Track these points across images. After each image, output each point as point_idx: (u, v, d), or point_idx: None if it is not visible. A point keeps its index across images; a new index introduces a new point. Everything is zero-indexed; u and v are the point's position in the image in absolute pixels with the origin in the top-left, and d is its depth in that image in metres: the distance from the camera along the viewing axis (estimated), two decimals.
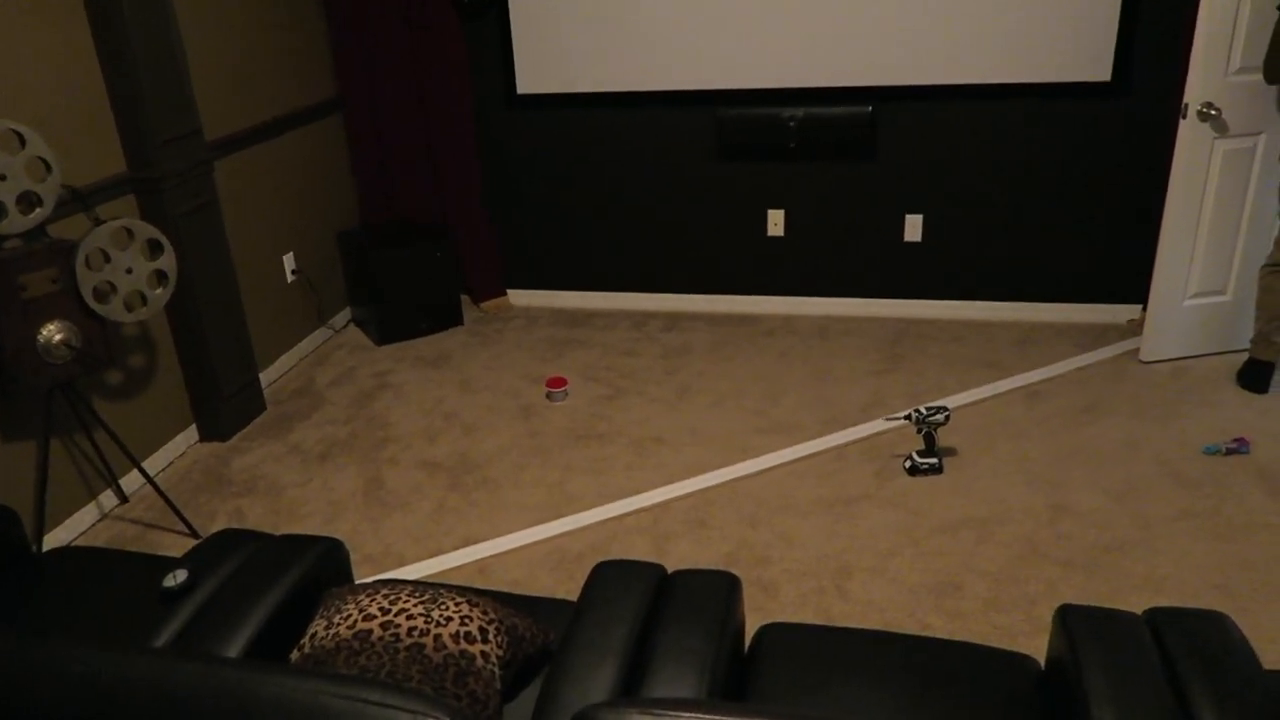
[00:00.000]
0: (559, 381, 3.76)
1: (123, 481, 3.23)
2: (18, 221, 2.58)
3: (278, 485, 3.27)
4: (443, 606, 1.54)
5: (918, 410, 3.09)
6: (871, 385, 3.72)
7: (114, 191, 3.11)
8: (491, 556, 2.85)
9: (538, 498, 3.13)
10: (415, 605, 1.53)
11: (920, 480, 3.10)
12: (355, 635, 1.48)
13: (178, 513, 3.02)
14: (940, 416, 3.08)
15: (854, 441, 3.35)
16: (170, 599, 1.67)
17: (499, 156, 4.46)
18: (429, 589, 1.60)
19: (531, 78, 4.23)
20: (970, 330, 4.13)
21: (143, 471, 3.01)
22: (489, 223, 4.56)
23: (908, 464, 3.14)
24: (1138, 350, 3.79)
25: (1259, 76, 3.30)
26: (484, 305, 4.67)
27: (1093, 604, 2.51)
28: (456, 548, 2.90)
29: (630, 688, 1.48)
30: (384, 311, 4.28)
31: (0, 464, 2.76)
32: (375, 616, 1.51)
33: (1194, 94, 3.31)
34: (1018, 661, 1.71)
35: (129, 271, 2.81)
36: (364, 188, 4.55)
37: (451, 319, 4.47)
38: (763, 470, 3.21)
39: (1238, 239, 3.57)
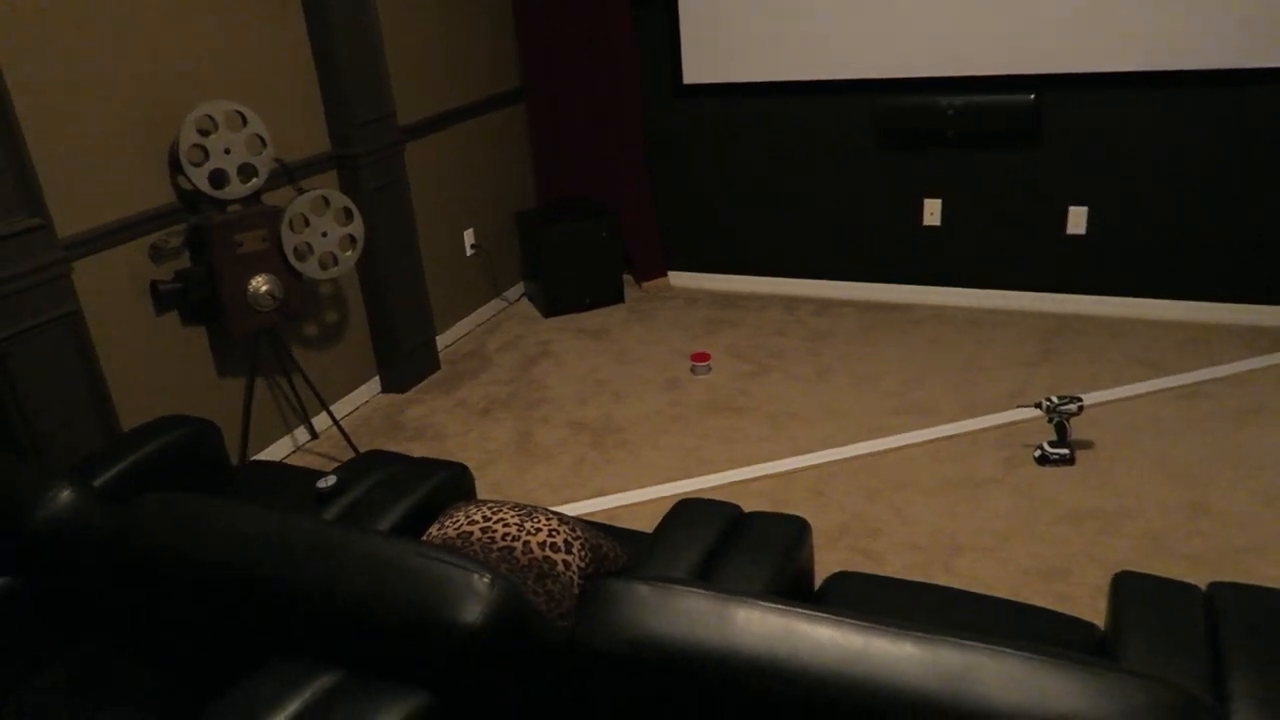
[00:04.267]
0: (703, 356, 3.95)
1: (315, 421, 3.70)
2: (238, 188, 3.04)
3: (442, 433, 3.65)
4: (535, 520, 1.78)
5: (1049, 399, 3.06)
6: (1019, 376, 3.68)
7: (319, 166, 3.57)
8: (620, 507, 3.09)
9: (671, 460, 3.34)
10: (512, 516, 1.77)
11: (1050, 470, 3.07)
12: (459, 535, 1.74)
13: (355, 451, 3.44)
14: (1073, 406, 3.04)
15: (990, 429, 3.34)
16: (322, 500, 1.99)
17: (665, 143, 4.69)
18: (528, 507, 1.84)
19: (697, 68, 4.43)
20: (1133, 327, 3.98)
21: (330, 413, 3.46)
22: (652, 207, 4.80)
23: (1038, 453, 3.12)
24: None
25: None
26: (646, 284, 4.92)
27: None
28: (589, 498, 3.16)
29: None
30: (551, 286, 4.62)
31: (214, 393, 3.26)
32: (477, 522, 1.76)
33: None
34: (1079, 626, 1.75)
35: (324, 235, 3.23)
36: (542, 171, 4.90)
37: (614, 296, 4.75)
38: (891, 449, 3.27)
39: None
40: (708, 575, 1.71)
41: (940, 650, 1.04)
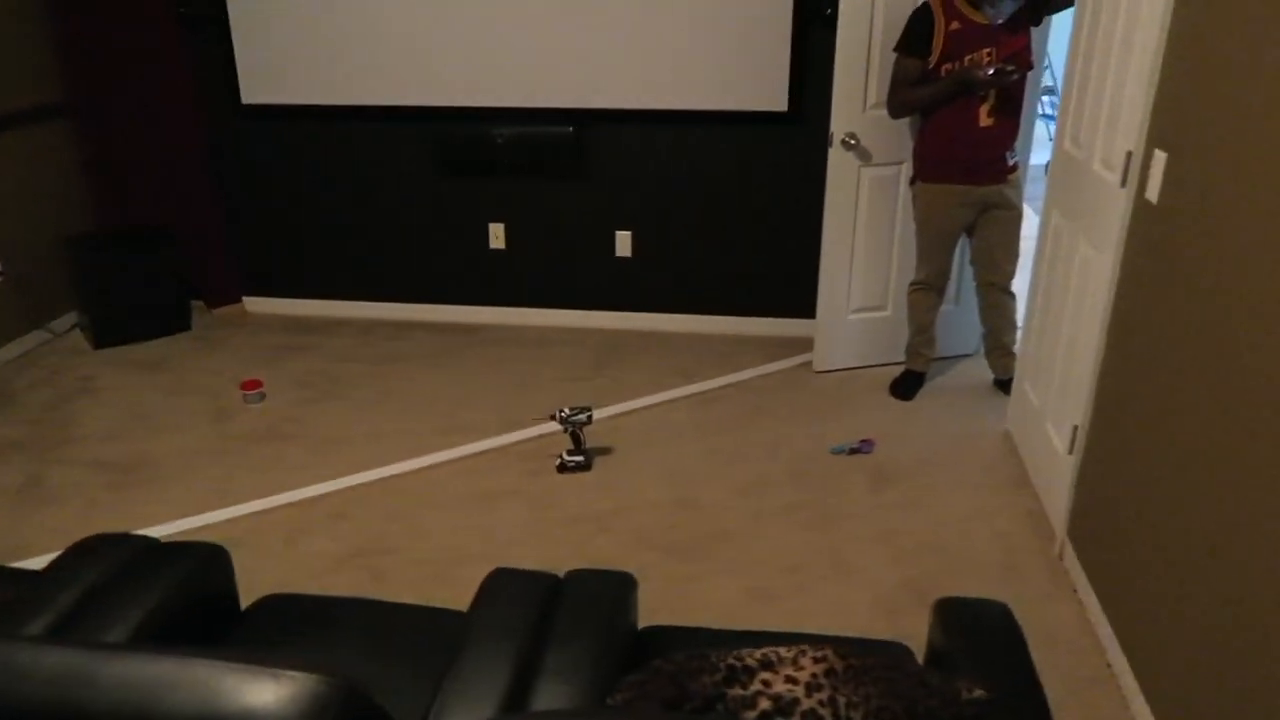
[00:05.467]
0: (254, 384, 3.83)
1: None
2: None
3: None
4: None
5: (562, 411, 3.28)
6: (567, 391, 3.91)
7: None
8: None
9: (196, 494, 3.19)
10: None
11: (569, 477, 3.29)
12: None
13: None
14: (583, 416, 3.27)
15: (522, 442, 3.52)
16: None
17: (233, 165, 4.51)
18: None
19: (256, 88, 4.30)
20: (673, 341, 4.37)
21: None
22: (220, 230, 4.59)
23: (558, 462, 3.33)
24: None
25: None
26: (217, 311, 4.69)
27: (676, 583, 2.71)
28: None
29: None
30: (102, 315, 4.27)
31: None
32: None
33: (837, 125, 3.62)
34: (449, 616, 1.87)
35: None
36: (97, 192, 4.53)
37: (178, 324, 4.48)
38: (425, 468, 3.35)
39: (891, 258, 3.90)
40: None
41: (75, 658, 1.06)
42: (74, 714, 1.06)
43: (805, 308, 4.30)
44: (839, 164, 3.68)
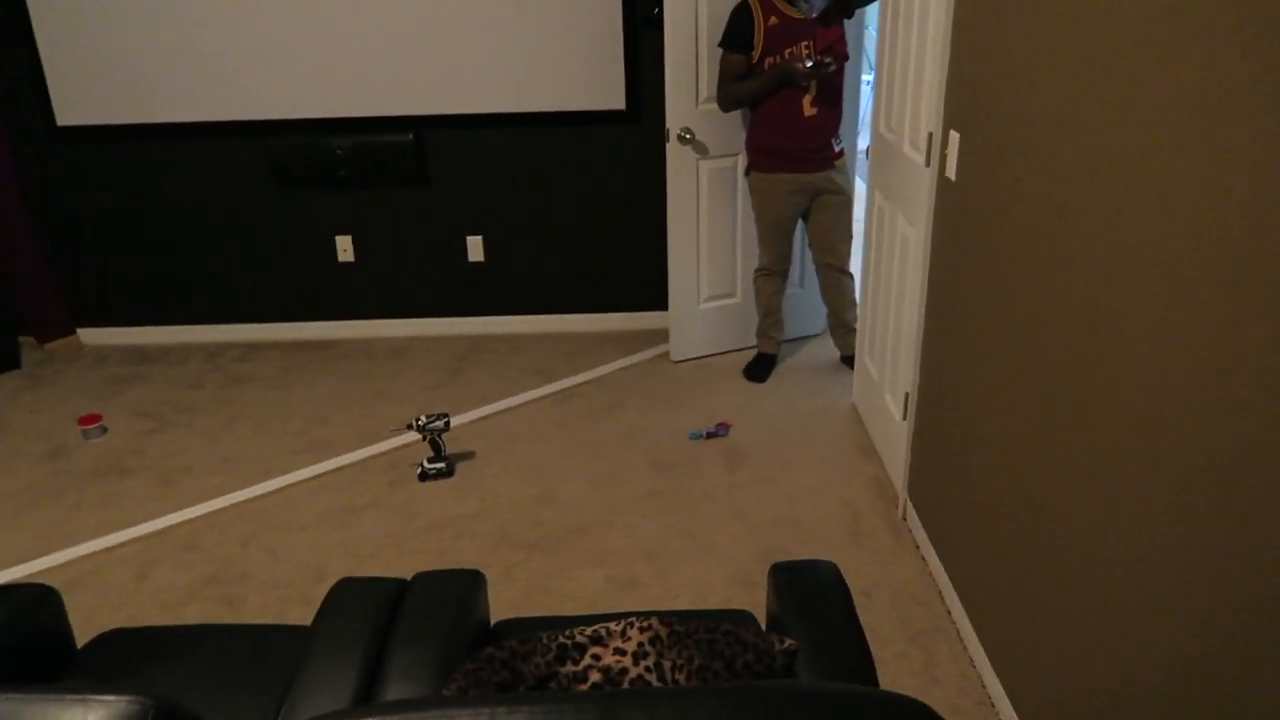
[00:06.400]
0: (91, 419, 3.65)
1: None
2: None
3: None
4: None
5: (419, 419, 3.26)
6: (422, 400, 3.88)
7: None
8: None
9: (30, 538, 3.03)
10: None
11: (430, 485, 3.27)
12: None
13: None
14: (440, 423, 3.27)
15: (380, 454, 3.48)
16: None
17: (55, 190, 4.28)
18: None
19: (73, 110, 4.10)
20: (531, 343, 4.40)
21: None
22: (44, 260, 4.36)
23: (419, 471, 3.31)
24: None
25: None
26: (49, 346, 4.45)
27: (540, 578, 2.75)
28: None
29: None
30: None
31: None
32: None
33: (672, 120, 3.72)
34: (298, 633, 1.86)
35: None
36: None
37: (5, 362, 4.23)
38: (279, 489, 3.27)
39: (736, 246, 4.03)
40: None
41: None
42: None
43: (659, 301, 4.39)
44: (677, 159, 3.78)
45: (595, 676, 1.27)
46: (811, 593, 1.70)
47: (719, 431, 3.53)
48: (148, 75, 4.04)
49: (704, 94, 3.72)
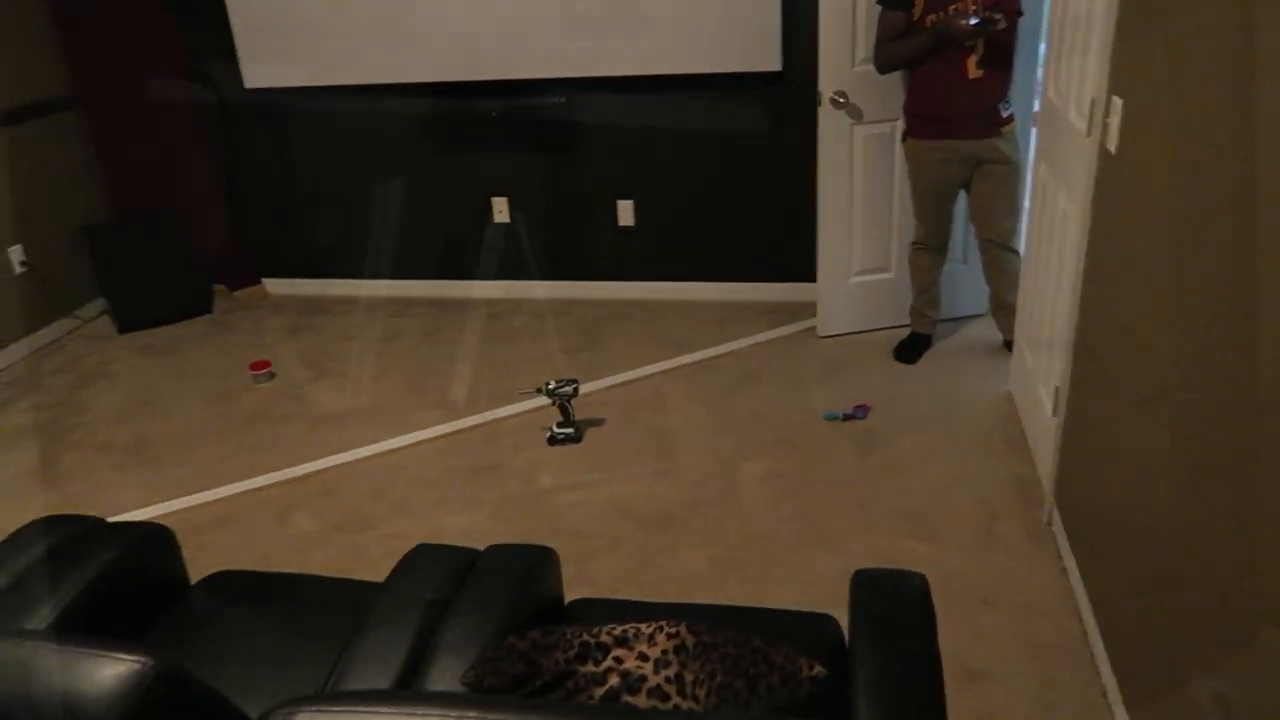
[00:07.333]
0: (262, 365, 3.91)
1: None
2: None
3: None
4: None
5: (549, 384, 3.28)
6: (560, 363, 3.91)
7: None
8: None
9: (191, 473, 3.29)
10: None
11: (556, 450, 3.29)
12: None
13: None
14: (569, 389, 3.27)
15: (514, 415, 3.53)
16: None
17: (244, 150, 4.59)
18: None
19: (258, 73, 4.36)
20: (673, 310, 4.33)
21: None
22: (232, 214, 4.69)
23: (549, 435, 3.33)
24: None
25: None
26: (238, 294, 4.81)
27: (647, 554, 2.71)
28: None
29: None
30: (122, 301, 4.41)
31: None
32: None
33: (825, 83, 3.52)
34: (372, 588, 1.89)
35: None
36: (111, 182, 4.66)
37: (198, 308, 4.61)
38: (413, 444, 3.39)
39: (892, 218, 3.79)
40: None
41: None
42: None
43: (809, 272, 4.21)
44: (830, 123, 3.58)
45: (614, 680, 1.21)
46: (887, 609, 1.56)
47: (856, 414, 3.35)
48: (324, 41, 4.22)
49: (860, 55, 3.49)
